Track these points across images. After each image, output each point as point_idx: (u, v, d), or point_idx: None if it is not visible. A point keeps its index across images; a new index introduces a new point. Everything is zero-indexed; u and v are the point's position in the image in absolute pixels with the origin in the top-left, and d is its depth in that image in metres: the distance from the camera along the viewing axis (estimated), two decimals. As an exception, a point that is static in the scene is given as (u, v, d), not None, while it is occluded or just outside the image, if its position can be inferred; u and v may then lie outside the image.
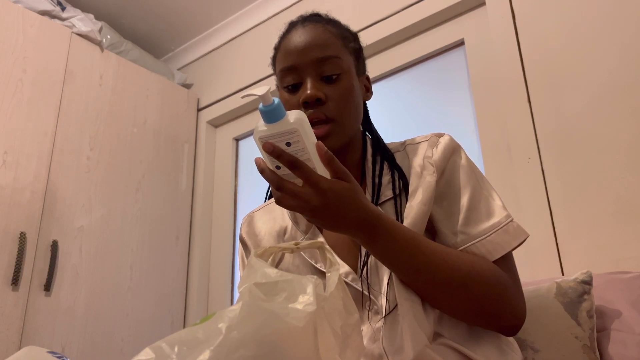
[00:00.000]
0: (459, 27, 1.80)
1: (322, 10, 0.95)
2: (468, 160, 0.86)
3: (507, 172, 1.54)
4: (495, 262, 0.77)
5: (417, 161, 0.85)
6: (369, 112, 0.98)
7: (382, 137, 0.95)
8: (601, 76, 1.39)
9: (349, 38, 0.91)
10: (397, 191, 0.83)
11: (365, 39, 2.03)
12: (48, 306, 1.74)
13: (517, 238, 0.78)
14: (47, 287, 1.74)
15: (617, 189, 1.29)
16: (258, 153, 0.97)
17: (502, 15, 1.63)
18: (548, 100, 1.47)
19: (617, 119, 1.34)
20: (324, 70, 0.84)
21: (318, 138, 0.81)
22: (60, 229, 1.84)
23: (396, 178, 0.85)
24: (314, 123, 0.82)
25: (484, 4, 1.73)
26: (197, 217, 2.36)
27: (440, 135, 0.88)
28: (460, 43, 1.80)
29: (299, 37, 0.86)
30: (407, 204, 0.81)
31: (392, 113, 1.88)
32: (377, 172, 0.86)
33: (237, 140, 2.49)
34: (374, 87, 2.05)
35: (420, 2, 1.85)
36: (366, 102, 0.96)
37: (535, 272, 1.35)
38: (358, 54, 0.93)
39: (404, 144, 0.91)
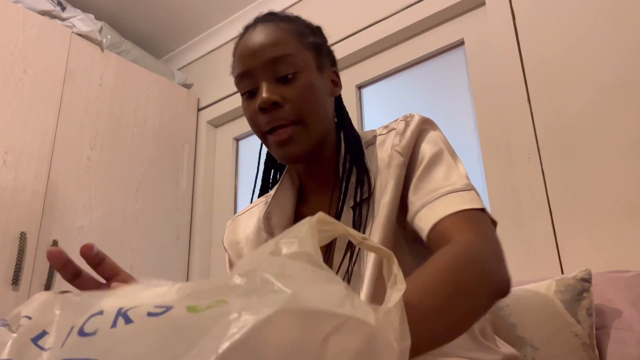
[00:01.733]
0: (459, 27, 1.80)
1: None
2: (438, 133, 0.81)
3: (507, 172, 1.54)
4: (451, 219, 0.67)
5: (386, 151, 0.80)
6: (344, 106, 0.91)
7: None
8: (601, 76, 1.40)
9: (305, 33, 0.85)
10: (358, 198, 0.78)
11: (365, 39, 2.04)
12: (48, 306, 1.74)
13: (475, 204, 0.69)
14: (48, 286, 1.74)
15: (617, 188, 1.29)
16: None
17: (502, 15, 1.63)
18: (548, 100, 1.47)
19: (617, 119, 1.34)
20: (278, 70, 0.79)
21: (280, 143, 0.78)
22: (60, 228, 1.84)
23: (364, 181, 0.79)
24: (275, 129, 0.78)
25: (484, 4, 1.73)
26: (197, 217, 2.36)
27: (408, 116, 0.83)
28: (460, 43, 1.80)
29: (251, 40, 0.81)
30: (379, 202, 0.76)
31: (392, 113, 1.88)
32: (345, 175, 0.81)
33: (237, 140, 2.49)
34: (374, 87, 2.07)
35: (420, 2, 1.85)
36: (338, 96, 0.90)
37: (535, 272, 1.35)
38: (319, 49, 0.86)
39: (375, 136, 0.86)
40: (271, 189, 0.96)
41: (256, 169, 0.97)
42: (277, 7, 2.32)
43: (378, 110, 1.95)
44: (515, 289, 1.03)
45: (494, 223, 0.72)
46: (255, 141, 2.46)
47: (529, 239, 1.39)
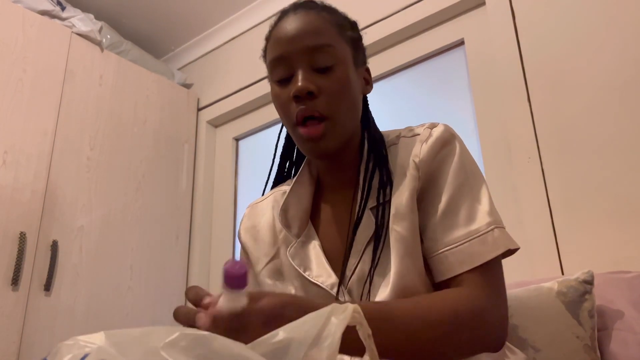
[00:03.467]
0: (459, 27, 1.80)
1: None
2: (462, 154, 0.78)
3: (507, 172, 1.54)
4: (467, 274, 0.70)
5: (405, 158, 0.79)
6: (369, 106, 0.90)
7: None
8: (601, 76, 1.39)
9: (345, 26, 0.83)
10: (381, 199, 0.77)
11: (366, 39, 2.02)
12: (48, 306, 1.74)
13: (495, 249, 0.70)
14: (47, 287, 1.74)
15: (617, 188, 1.29)
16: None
17: (502, 15, 1.63)
18: (548, 100, 1.47)
19: (617, 119, 1.34)
20: (316, 60, 0.77)
21: (311, 139, 0.76)
22: (60, 228, 1.84)
23: (386, 184, 0.78)
24: (306, 120, 0.77)
25: (484, 4, 1.73)
26: (197, 217, 2.36)
27: (433, 126, 0.81)
28: (460, 43, 1.80)
29: (290, 25, 0.79)
30: (395, 212, 0.76)
31: (392, 113, 1.88)
32: (368, 176, 0.80)
33: (237, 140, 2.48)
34: (374, 86, 2.05)
35: (420, 2, 1.85)
36: (366, 95, 0.89)
37: (535, 272, 1.35)
38: (356, 44, 0.85)
39: (399, 137, 0.84)
40: (284, 181, 0.96)
41: (271, 160, 0.96)
42: (277, 7, 2.32)
43: (378, 110, 1.94)
44: (517, 290, 1.03)
45: (514, 250, 0.73)
46: (255, 141, 2.47)
47: (529, 239, 1.39)
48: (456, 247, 0.71)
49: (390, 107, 1.92)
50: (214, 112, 2.48)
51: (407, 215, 0.75)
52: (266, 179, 0.97)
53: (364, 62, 0.89)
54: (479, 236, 0.71)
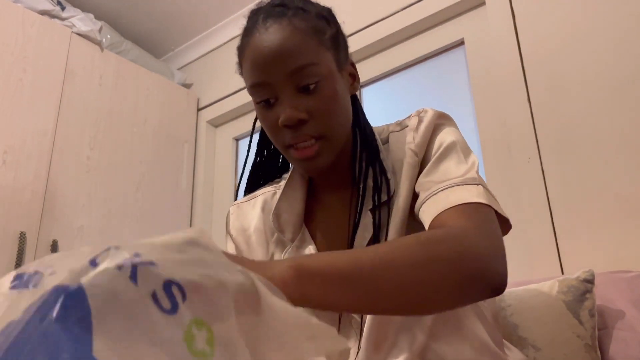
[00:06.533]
0: (459, 27, 1.80)
1: None
2: (452, 129, 0.78)
3: (507, 172, 1.54)
4: (451, 210, 0.64)
5: (401, 150, 0.77)
6: (361, 103, 0.88)
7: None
8: (601, 76, 1.40)
9: (322, 28, 0.76)
10: (376, 200, 0.74)
11: (366, 39, 2.04)
12: (48, 306, 1.74)
13: (479, 197, 0.65)
14: (47, 286, 1.74)
15: (617, 188, 1.29)
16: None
17: (502, 15, 1.63)
18: (548, 100, 1.47)
19: (617, 119, 1.34)
20: (300, 80, 0.72)
21: (307, 159, 0.74)
22: (60, 228, 1.84)
23: (381, 181, 0.76)
24: (299, 143, 0.73)
25: (484, 4, 1.73)
26: (197, 217, 2.36)
27: (421, 112, 0.79)
28: (460, 43, 1.80)
29: (265, 44, 0.72)
30: (395, 205, 0.74)
31: (392, 113, 1.88)
32: (362, 175, 0.77)
33: (237, 140, 2.49)
34: (374, 86, 2.07)
35: (420, 2, 1.85)
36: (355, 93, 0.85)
37: (535, 272, 1.35)
38: (336, 43, 0.78)
39: (389, 134, 0.82)
40: (266, 185, 0.93)
41: (243, 164, 0.93)
42: (277, 7, 2.32)
43: (378, 110, 1.95)
44: (517, 289, 1.03)
45: (507, 224, 0.69)
46: (255, 141, 2.46)
47: (529, 239, 1.39)
48: (441, 190, 0.67)
49: (390, 107, 1.93)
50: (214, 112, 2.48)
51: (402, 208, 0.74)
52: (238, 182, 0.94)
53: (347, 57, 0.82)
54: (463, 184, 0.67)
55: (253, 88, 0.76)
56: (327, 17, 0.79)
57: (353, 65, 0.84)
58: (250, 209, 0.91)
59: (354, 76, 0.83)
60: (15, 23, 1.89)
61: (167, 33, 2.59)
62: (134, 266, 0.32)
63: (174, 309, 0.33)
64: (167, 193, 2.28)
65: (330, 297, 0.50)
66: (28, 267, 0.36)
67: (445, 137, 0.76)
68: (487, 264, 0.57)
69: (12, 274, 0.36)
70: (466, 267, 0.55)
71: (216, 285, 0.36)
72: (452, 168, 0.71)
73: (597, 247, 1.28)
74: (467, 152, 0.75)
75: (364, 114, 0.85)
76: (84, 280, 0.31)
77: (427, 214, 0.67)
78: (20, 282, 0.34)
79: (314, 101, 0.72)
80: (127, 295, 0.31)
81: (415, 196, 0.74)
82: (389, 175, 0.77)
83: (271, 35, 0.72)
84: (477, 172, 0.71)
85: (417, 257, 0.53)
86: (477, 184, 0.68)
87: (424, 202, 0.69)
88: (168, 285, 0.33)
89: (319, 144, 0.73)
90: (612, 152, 1.32)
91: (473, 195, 0.65)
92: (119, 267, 0.32)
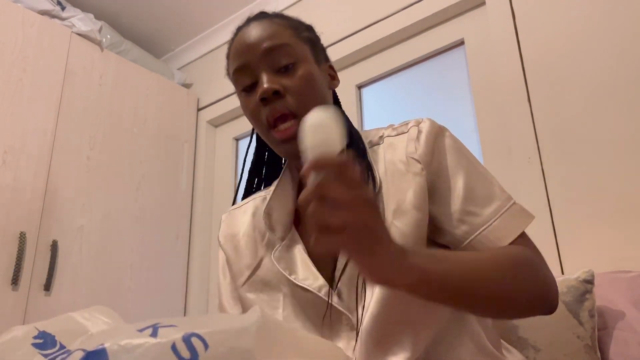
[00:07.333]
0: (459, 27, 1.80)
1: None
2: (454, 141, 0.79)
3: (507, 172, 1.54)
4: (520, 239, 0.72)
5: (399, 157, 0.77)
6: (339, 102, 0.91)
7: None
8: (601, 76, 1.40)
9: (300, 28, 0.84)
10: None
11: (365, 39, 2.04)
12: (48, 306, 1.74)
13: (526, 220, 0.73)
14: (47, 286, 1.74)
15: (617, 188, 1.29)
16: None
17: (502, 15, 1.63)
18: (548, 100, 1.47)
19: (617, 119, 1.34)
20: (276, 60, 0.78)
21: (286, 140, 0.76)
22: (60, 228, 1.84)
23: (367, 178, 0.76)
24: (277, 121, 0.77)
25: (484, 3, 1.73)
26: (197, 217, 2.36)
27: (419, 122, 0.80)
28: (460, 43, 1.80)
29: (245, 35, 0.81)
30: (397, 208, 0.74)
31: (392, 113, 1.88)
32: None
33: (237, 140, 2.49)
34: (374, 86, 2.07)
35: (420, 2, 1.85)
36: (334, 92, 0.90)
37: (536, 272, 1.35)
38: (314, 43, 0.85)
39: (382, 137, 0.83)
40: (259, 190, 0.96)
41: (241, 169, 0.96)
42: (276, 7, 2.32)
43: (378, 110, 1.95)
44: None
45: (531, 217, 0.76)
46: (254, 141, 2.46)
47: (530, 239, 1.39)
48: (491, 225, 0.72)
49: (390, 107, 1.92)
50: (214, 111, 2.48)
51: (409, 212, 0.73)
52: (235, 191, 0.95)
53: (326, 59, 0.88)
54: (506, 210, 0.73)
55: (235, 74, 0.82)
56: (306, 26, 0.88)
57: (332, 67, 0.89)
58: (241, 215, 0.93)
59: (333, 76, 0.88)
60: (15, 23, 1.89)
61: (167, 33, 2.59)
62: None
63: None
64: (167, 193, 2.28)
65: (435, 298, 0.60)
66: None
67: (456, 154, 0.78)
68: (554, 290, 0.71)
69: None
70: (539, 289, 0.69)
71: None
72: (484, 190, 0.75)
73: (597, 247, 1.28)
74: (477, 161, 0.79)
75: (346, 116, 0.87)
76: None
77: (492, 243, 0.73)
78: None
79: (290, 80, 0.78)
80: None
81: (436, 205, 0.76)
82: (376, 173, 0.78)
83: (252, 27, 0.81)
84: (496, 180, 0.77)
85: (507, 275, 0.65)
86: (513, 202, 0.74)
87: (479, 234, 0.73)
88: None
89: (296, 122, 0.76)
90: (612, 152, 1.32)
91: (520, 221, 0.73)
92: None
